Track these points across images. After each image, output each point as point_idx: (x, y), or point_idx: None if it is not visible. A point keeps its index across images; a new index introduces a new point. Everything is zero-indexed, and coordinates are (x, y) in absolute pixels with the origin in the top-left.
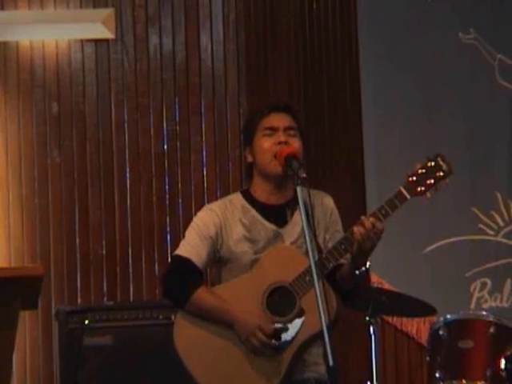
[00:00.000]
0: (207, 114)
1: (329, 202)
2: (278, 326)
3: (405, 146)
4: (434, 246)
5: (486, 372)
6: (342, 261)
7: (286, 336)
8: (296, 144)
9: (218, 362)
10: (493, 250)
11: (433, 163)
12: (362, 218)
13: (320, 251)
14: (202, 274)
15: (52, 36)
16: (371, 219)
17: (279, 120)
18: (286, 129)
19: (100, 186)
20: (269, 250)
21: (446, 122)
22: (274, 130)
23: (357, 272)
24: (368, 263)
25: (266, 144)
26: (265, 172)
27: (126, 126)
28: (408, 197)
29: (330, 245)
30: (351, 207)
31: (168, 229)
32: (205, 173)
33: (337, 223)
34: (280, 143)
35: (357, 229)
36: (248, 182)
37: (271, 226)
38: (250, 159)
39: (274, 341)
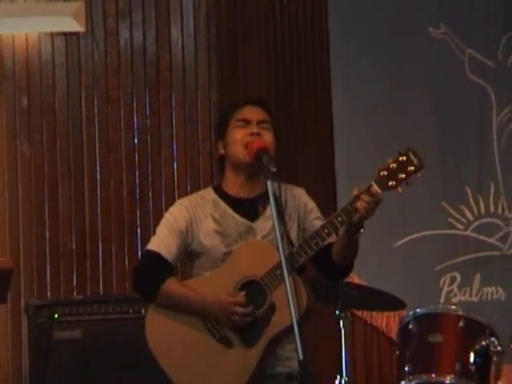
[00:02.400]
0: (178, 108)
1: (301, 194)
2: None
3: (375, 141)
4: (404, 241)
5: (456, 366)
6: (331, 240)
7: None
8: (268, 137)
9: (189, 355)
10: (462, 244)
11: (404, 158)
12: (355, 192)
13: (292, 245)
14: (173, 268)
15: (22, 29)
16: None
17: (253, 113)
18: (260, 122)
19: (70, 180)
20: (241, 245)
21: (417, 116)
22: (247, 122)
23: (357, 236)
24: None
25: (238, 135)
26: (235, 162)
27: (96, 119)
28: (379, 191)
29: (309, 234)
30: (321, 203)
31: (138, 222)
32: (175, 167)
33: (313, 212)
34: (252, 134)
35: (360, 204)
36: (220, 176)
37: (242, 220)
38: (221, 151)
39: (252, 307)
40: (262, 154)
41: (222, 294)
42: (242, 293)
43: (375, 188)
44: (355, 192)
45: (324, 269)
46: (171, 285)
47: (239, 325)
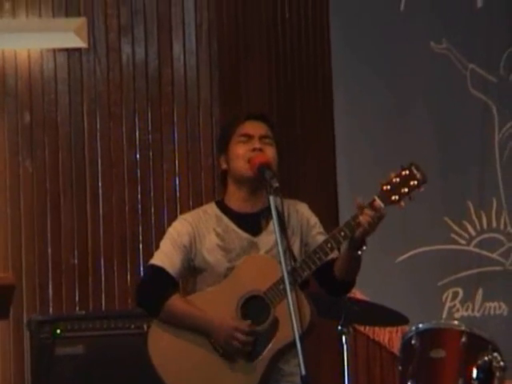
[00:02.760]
0: (180, 123)
1: (303, 209)
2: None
3: (377, 156)
4: (406, 256)
5: (458, 381)
6: (332, 256)
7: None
8: (270, 152)
9: (193, 371)
10: (465, 259)
11: (407, 172)
12: (359, 203)
13: (295, 260)
14: (176, 283)
15: (24, 45)
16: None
17: (255, 128)
18: (262, 137)
19: (72, 195)
20: (244, 259)
21: (419, 131)
22: (249, 137)
23: (359, 252)
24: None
25: (240, 150)
26: (238, 177)
27: (98, 135)
28: (382, 205)
29: (311, 249)
30: (323, 217)
31: (140, 238)
32: (177, 182)
33: (315, 227)
34: (255, 150)
35: (364, 218)
36: (222, 191)
37: (245, 235)
38: (224, 166)
39: (253, 338)
40: (264, 169)
41: (227, 318)
42: (248, 321)
43: (378, 202)
44: (359, 200)
45: (326, 284)
46: (175, 302)
47: (237, 351)
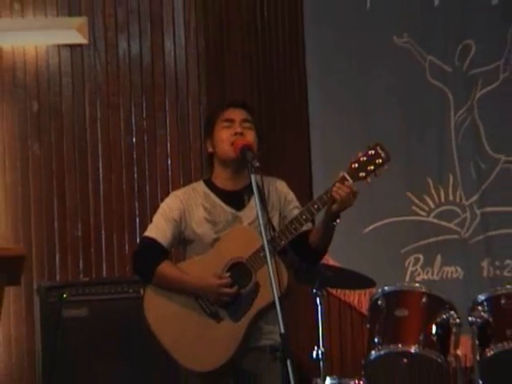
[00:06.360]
0: (171, 111)
1: (281, 186)
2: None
3: (348, 139)
4: (372, 227)
5: (419, 337)
6: (306, 228)
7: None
8: (251, 136)
9: (184, 330)
10: (425, 229)
11: (373, 152)
12: (341, 174)
13: (274, 231)
14: (168, 253)
15: (31, 42)
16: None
17: (236, 113)
18: (242, 121)
19: (76, 176)
20: (228, 231)
21: (384, 117)
22: (231, 121)
23: (334, 223)
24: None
25: (224, 135)
26: (223, 158)
27: (98, 121)
28: (350, 181)
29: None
30: (299, 191)
31: (137, 212)
32: (169, 163)
33: (292, 201)
34: (236, 134)
35: (336, 190)
36: (209, 171)
37: (230, 210)
38: (210, 149)
39: (237, 287)
40: (246, 151)
41: (209, 277)
42: (228, 274)
43: (345, 176)
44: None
45: (301, 253)
46: (166, 267)
47: (227, 304)
